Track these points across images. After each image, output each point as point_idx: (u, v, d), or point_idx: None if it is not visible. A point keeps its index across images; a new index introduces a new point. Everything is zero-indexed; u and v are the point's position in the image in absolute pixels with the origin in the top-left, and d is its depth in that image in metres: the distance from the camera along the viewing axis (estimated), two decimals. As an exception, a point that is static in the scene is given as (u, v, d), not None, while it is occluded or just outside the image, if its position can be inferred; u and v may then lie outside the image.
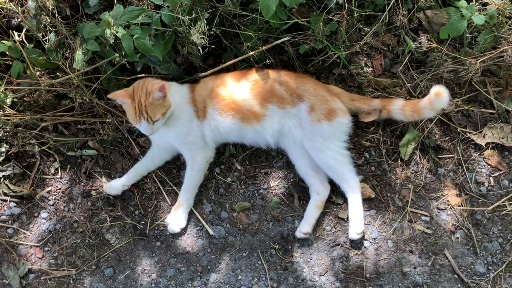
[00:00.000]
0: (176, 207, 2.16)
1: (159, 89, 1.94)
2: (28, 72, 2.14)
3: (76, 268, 2.11)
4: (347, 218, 2.16)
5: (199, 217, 2.19)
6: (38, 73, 2.15)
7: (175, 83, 2.18)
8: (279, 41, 2.17)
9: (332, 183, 2.18)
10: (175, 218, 2.14)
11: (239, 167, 2.28)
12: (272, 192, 2.24)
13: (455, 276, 2.05)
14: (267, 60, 2.18)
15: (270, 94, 2.13)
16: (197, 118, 2.14)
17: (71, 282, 2.09)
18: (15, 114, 2.15)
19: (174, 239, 2.16)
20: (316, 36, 2.15)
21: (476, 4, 2.14)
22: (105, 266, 2.12)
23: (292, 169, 2.25)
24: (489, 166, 2.23)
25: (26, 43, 2.13)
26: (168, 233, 2.16)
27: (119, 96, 2.00)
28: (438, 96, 2.06)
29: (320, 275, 2.08)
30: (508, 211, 2.14)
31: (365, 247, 2.12)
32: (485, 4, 2.15)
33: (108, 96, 2.02)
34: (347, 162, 2.12)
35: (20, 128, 2.23)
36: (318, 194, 2.14)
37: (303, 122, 2.12)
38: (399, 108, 2.16)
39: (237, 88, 2.14)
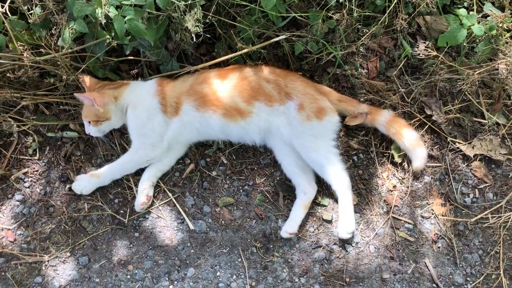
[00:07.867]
0: (92, 174, 2.10)
1: (88, 99, 2.03)
2: (10, 46, 2.03)
3: (49, 255, 2.04)
4: (332, 219, 2.14)
5: (181, 209, 2.13)
6: (21, 48, 2.04)
7: (138, 82, 2.17)
8: (276, 39, 2.11)
9: (318, 183, 2.16)
10: (84, 182, 2.10)
11: (225, 161, 2.23)
12: (257, 189, 2.20)
13: (434, 285, 2.05)
14: (260, 55, 2.12)
15: (257, 92, 2.08)
16: (163, 113, 2.07)
17: (43, 268, 2.01)
18: (-7, 89, 2.04)
19: (153, 230, 2.10)
20: (313, 35, 2.09)
21: (477, 14, 2.12)
22: (80, 254, 2.05)
23: (278, 167, 2.20)
24: (475, 178, 2.23)
25: (9, 15, 2.01)
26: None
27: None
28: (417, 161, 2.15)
29: (300, 276, 2.05)
30: (490, 224, 2.15)
31: (346, 251, 2.10)
32: (485, 15, 2.12)
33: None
34: (338, 160, 2.10)
35: (-3, 105, 2.13)
36: (305, 194, 2.11)
37: (292, 120, 2.08)
38: (384, 120, 2.17)
39: (221, 85, 2.08)
